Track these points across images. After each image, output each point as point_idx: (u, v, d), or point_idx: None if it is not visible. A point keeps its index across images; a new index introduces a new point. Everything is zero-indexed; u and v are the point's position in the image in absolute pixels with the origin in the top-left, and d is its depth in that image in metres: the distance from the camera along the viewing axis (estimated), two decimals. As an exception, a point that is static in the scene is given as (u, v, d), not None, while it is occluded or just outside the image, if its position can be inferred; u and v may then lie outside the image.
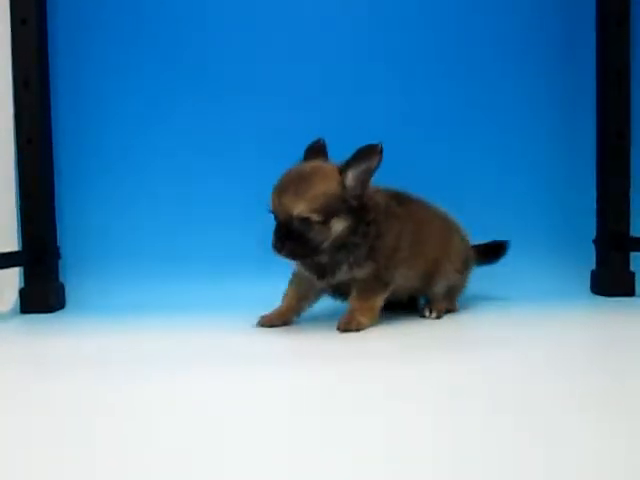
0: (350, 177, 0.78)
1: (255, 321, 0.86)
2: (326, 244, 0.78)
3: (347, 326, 0.80)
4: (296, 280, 0.88)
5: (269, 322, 0.86)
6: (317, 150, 0.84)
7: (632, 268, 1.11)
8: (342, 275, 0.82)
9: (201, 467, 0.37)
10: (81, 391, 0.55)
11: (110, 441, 0.43)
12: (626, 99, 1.10)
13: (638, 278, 1.11)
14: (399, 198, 0.88)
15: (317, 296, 0.89)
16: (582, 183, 1.17)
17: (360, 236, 0.80)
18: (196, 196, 1.16)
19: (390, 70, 1.16)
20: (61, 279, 1.08)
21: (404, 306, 0.94)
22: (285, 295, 0.88)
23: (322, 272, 0.82)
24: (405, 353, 0.70)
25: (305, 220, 0.76)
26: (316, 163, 0.82)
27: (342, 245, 0.79)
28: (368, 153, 0.77)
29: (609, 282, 1.11)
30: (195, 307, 1.01)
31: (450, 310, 0.94)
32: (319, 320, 0.88)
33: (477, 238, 1.00)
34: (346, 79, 1.16)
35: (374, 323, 0.82)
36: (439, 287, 0.92)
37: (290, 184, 0.78)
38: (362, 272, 0.81)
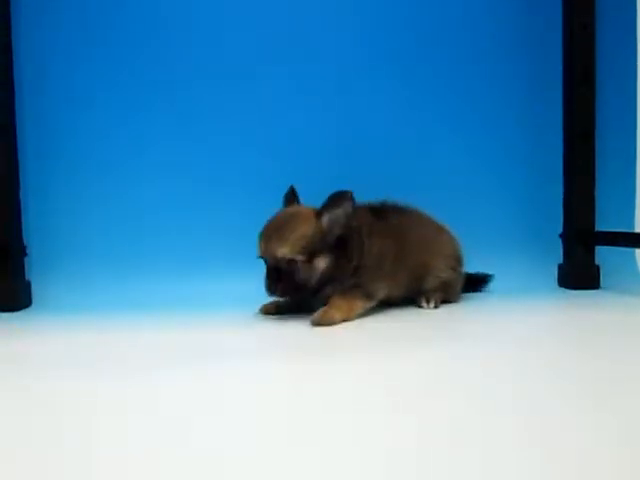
0: (326, 219, 0.84)
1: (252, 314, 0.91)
2: (313, 281, 0.84)
3: (320, 320, 0.81)
4: None
5: (266, 311, 0.92)
6: (290, 196, 0.91)
7: (597, 262, 1.15)
8: (326, 295, 0.86)
9: (172, 464, 0.37)
10: (49, 389, 0.54)
11: (82, 440, 0.42)
12: (591, 100, 1.13)
13: (602, 272, 1.14)
14: (380, 212, 0.93)
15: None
16: (550, 181, 1.20)
17: (342, 271, 0.85)
18: (165, 197, 1.15)
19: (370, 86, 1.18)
20: (27, 277, 1.06)
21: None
22: None
23: (309, 304, 0.86)
24: (373, 347, 0.71)
25: (291, 261, 0.83)
26: (295, 208, 0.89)
27: (328, 280, 0.85)
28: (340, 199, 0.84)
29: (575, 276, 1.14)
30: (162, 305, 1.00)
31: (448, 300, 0.98)
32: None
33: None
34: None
35: (348, 320, 0.83)
36: (430, 284, 0.96)
37: (273, 230, 0.85)
38: (345, 286, 0.86)
